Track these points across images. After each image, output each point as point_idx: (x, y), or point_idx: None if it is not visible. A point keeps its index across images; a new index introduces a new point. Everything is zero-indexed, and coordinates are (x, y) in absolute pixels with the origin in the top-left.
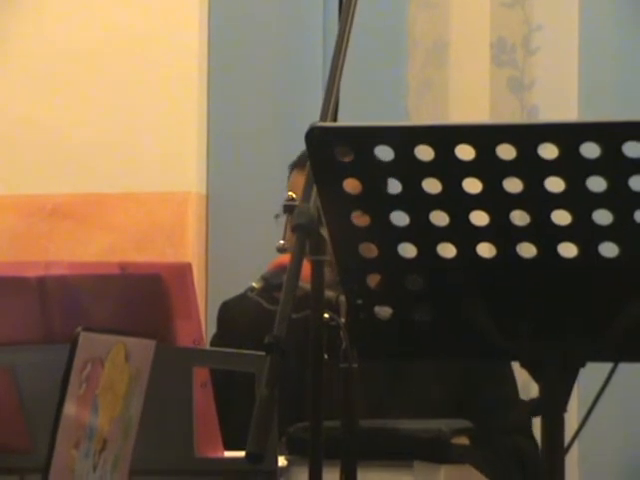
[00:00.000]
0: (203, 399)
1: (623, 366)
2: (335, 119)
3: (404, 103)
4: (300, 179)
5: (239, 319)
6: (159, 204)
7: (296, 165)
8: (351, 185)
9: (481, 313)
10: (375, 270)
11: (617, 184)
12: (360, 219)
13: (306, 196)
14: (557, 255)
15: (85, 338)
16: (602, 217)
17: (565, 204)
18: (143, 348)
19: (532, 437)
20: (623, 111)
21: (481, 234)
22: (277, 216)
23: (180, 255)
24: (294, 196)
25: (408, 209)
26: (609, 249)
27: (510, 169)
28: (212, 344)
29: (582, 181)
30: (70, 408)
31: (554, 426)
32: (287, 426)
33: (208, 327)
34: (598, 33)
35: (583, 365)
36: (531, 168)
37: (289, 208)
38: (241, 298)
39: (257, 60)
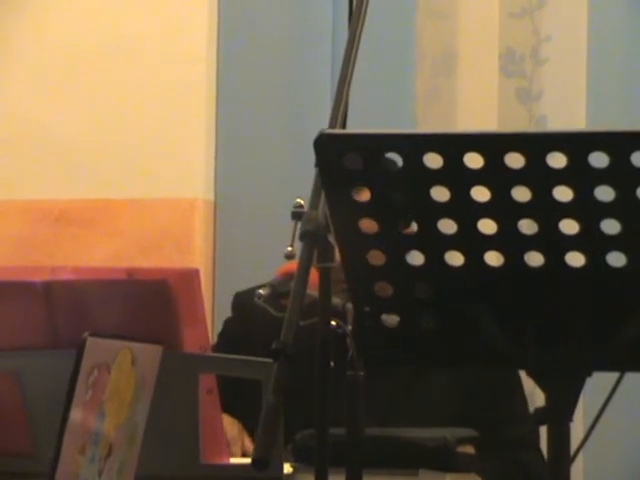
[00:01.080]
0: (209, 405)
1: (629, 375)
2: (344, 127)
3: (412, 112)
4: None
5: (252, 310)
6: (166, 210)
7: None
8: (359, 192)
9: (488, 321)
10: (383, 278)
11: (625, 194)
12: (367, 224)
13: (314, 203)
14: (565, 264)
15: (92, 343)
16: (610, 227)
17: (573, 213)
18: (149, 354)
19: (539, 451)
20: (631, 121)
21: (489, 242)
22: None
23: (187, 261)
24: (302, 202)
25: (416, 217)
26: (617, 259)
27: (518, 178)
28: (226, 325)
29: (590, 190)
30: (76, 413)
31: (560, 435)
32: (293, 433)
33: (215, 333)
34: (606, 43)
35: (589, 374)
36: (539, 177)
37: (297, 215)
38: (252, 292)
39: (266, 67)
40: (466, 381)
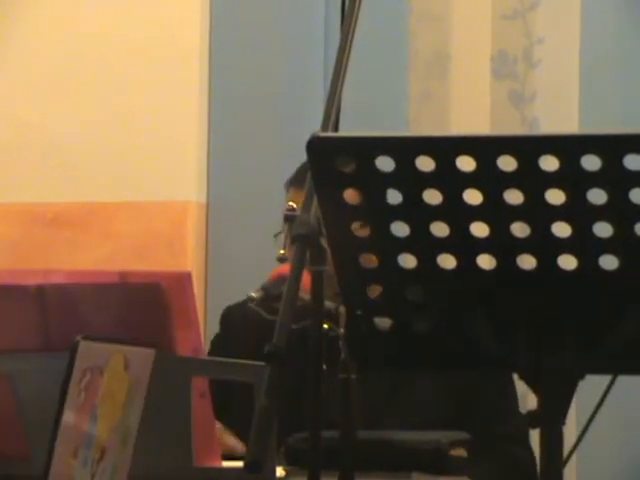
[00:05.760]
0: (202, 409)
1: (622, 377)
2: (336, 129)
3: (405, 114)
4: (297, 197)
5: (241, 325)
6: (159, 213)
7: (293, 183)
8: (351, 195)
9: (481, 324)
10: (375, 281)
11: (618, 197)
12: (360, 230)
13: (306, 206)
14: (557, 267)
15: (84, 347)
16: (602, 230)
17: (565, 216)
18: (142, 357)
19: (529, 448)
20: (624, 124)
21: (481, 245)
22: (277, 235)
23: (180, 264)
24: (295, 206)
25: (408, 220)
26: (609, 262)
27: (511, 181)
28: (213, 344)
29: (583, 193)
30: (69, 416)
31: (552, 438)
32: (286, 436)
33: (207, 336)
34: (599, 45)
35: (582, 377)
36: (532, 180)
37: (290, 218)
38: (243, 305)
39: (258, 69)
40: (455, 380)
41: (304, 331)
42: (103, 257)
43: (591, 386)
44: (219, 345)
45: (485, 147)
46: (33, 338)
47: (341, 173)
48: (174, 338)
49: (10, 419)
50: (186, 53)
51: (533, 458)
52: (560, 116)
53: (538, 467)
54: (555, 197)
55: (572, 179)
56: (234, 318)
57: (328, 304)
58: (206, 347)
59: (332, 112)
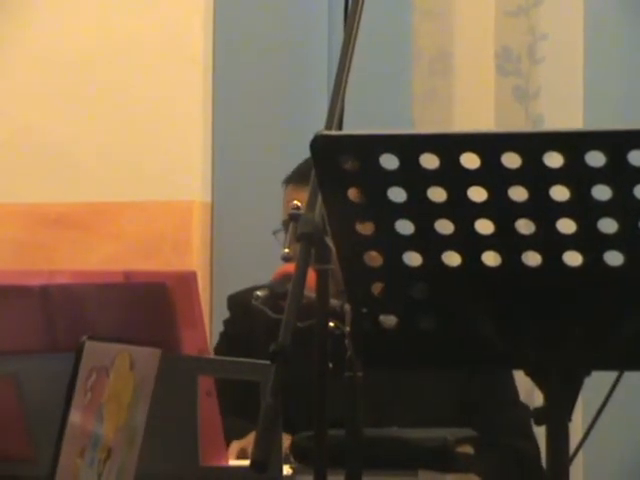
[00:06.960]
0: (208, 408)
1: (627, 374)
2: (340, 128)
3: (409, 112)
4: (296, 193)
5: (249, 309)
6: (164, 213)
7: (291, 179)
8: (356, 193)
9: (486, 322)
10: (380, 279)
11: (622, 193)
12: (365, 228)
13: (311, 205)
14: (562, 264)
15: (90, 347)
16: (607, 226)
17: (570, 213)
18: (148, 357)
19: (533, 439)
20: (628, 120)
21: (486, 242)
22: (275, 232)
23: (185, 264)
24: (299, 204)
25: (413, 217)
26: (614, 258)
27: (515, 177)
28: (226, 324)
29: (587, 190)
30: (75, 417)
31: (559, 435)
32: (292, 435)
33: (213, 336)
34: (603, 41)
35: (588, 374)
36: (536, 176)
37: (294, 216)
38: (247, 292)
39: (262, 68)
40: (459, 376)
41: (310, 329)
42: (108, 257)
43: (598, 382)
44: (233, 326)
45: (489, 144)
46: (38, 338)
47: (345, 171)
48: (179, 337)
49: (15, 419)
50: (190, 53)
51: (537, 449)
52: (564, 112)
53: (543, 459)
54: (560, 194)
55: (576, 175)
56: (242, 302)
57: (334, 302)
58: (213, 342)
59: (336, 111)
